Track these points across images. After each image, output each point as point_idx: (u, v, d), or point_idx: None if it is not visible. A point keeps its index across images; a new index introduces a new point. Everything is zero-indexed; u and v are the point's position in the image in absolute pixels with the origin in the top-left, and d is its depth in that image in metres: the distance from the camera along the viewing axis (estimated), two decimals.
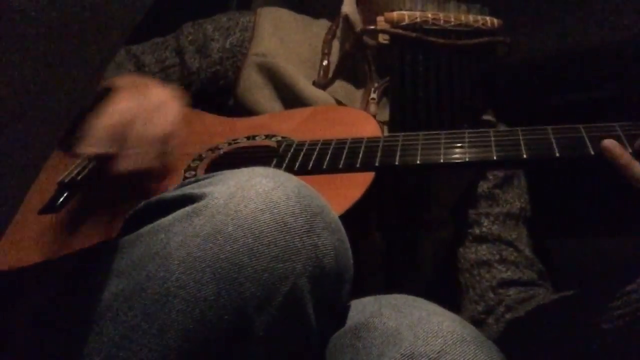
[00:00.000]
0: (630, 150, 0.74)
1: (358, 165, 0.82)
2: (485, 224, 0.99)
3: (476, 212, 1.00)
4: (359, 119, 0.94)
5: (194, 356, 0.60)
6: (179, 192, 0.67)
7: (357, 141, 0.87)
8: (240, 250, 0.60)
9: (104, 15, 0.55)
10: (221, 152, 0.93)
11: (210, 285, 0.60)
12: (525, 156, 0.78)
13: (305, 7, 1.11)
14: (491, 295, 0.94)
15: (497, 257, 0.96)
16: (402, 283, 0.97)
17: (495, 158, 0.80)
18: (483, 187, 1.01)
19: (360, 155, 0.84)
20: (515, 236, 0.99)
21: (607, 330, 0.75)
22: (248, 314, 0.60)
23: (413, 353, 0.65)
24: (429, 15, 0.94)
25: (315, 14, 1.11)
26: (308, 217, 0.63)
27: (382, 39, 0.95)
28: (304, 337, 0.65)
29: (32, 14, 0.49)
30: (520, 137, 0.81)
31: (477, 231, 0.99)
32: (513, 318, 0.91)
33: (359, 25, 1.02)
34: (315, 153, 0.86)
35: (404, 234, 0.97)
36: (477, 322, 0.93)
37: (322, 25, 1.10)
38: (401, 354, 0.66)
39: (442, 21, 0.94)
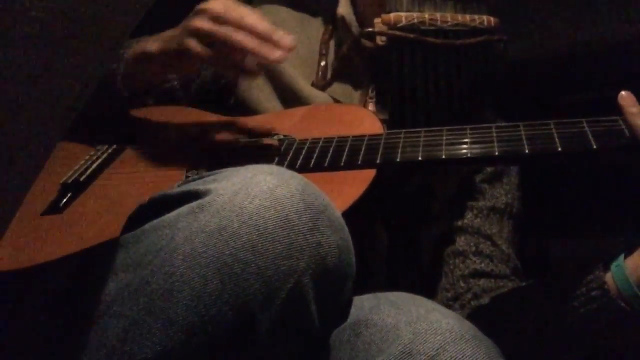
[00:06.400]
0: None
1: (360, 162, 0.83)
2: (469, 216, 1.00)
3: (462, 205, 1.01)
4: (361, 116, 0.94)
5: (198, 351, 0.60)
6: (183, 188, 0.68)
7: (358, 138, 0.87)
8: (245, 246, 0.61)
9: (105, 15, 0.55)
10: (224, 150, 0.93)
11: (214, 280, 0.60)
12: (527, 151, 0.78)
13: (302, 4, 1.11)
14: (462, 284, 0.96)
15: (474, 248, 0.97)
16: (405, 279, 0.97)
17: (497, 153, 0.80)
18: (472, 180, 1.02)
19: (362, 152, 0.84)
20: (495, 230, 0.99)
21: (570, 315, 0.77)
22: (251, 310, 0.60)
23: (411, 350, 0.66)
24: (426, 16, 0.93)
25: (313, 12, 1.11)
26: (312, 215, 0.64)
27: (380, 40, 0.95)
28: (306, 334, 0.65)
29: (32, 13, 0.49)
30: (523, 132, 0.81)
31: (459, 223, 1.00)
32: (478, 305, 0.92)
33: (354, 27, 1.02)
34: (317, 151, 0.86)
35: (406, 230, 0.97)
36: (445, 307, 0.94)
37: (319, 24, 1.09)
38: (400, 351, 0.66)
39: (439, 21, 0.93)
